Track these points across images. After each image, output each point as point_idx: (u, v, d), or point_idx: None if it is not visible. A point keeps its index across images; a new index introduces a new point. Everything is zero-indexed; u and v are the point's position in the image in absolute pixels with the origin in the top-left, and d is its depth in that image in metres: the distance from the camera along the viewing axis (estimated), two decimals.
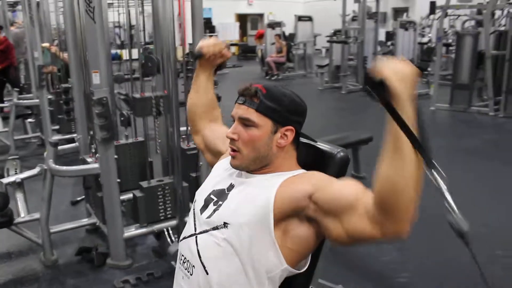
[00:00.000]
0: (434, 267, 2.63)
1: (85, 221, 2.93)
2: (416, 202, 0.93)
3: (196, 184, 2.73)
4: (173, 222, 2.66)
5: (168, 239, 2.67)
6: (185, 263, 1.21)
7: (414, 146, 0.89)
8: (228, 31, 16.74)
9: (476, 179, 4.20)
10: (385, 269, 2.66)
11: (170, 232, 2.69)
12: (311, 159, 1.31)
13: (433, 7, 7.26)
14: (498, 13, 7.50)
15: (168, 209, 2.66)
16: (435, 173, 0.88)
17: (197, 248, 1.18)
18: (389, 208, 0.94)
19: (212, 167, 1.45)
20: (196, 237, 1.20)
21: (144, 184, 2.61)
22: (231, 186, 1.25)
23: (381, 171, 0.95)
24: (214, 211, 1.21)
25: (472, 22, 9.31)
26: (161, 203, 2.63)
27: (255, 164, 1.22)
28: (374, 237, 1.00)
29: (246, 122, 1.19)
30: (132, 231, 2.59)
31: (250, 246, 1.12)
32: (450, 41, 10.49)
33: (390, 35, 11.47)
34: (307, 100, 1.29)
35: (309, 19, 12.30)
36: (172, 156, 2.58)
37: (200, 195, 1.31)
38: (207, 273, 1.14)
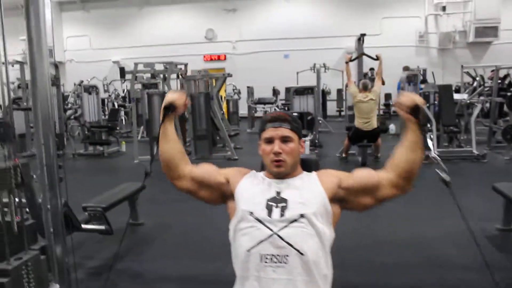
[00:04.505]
0: None
1: None
2: None
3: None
4: None
5: None
6: (273, 258, 1.49)
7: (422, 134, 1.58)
8: None
9: None
10: None
11: None
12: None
13: (123, 72, 8.07)
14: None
15: (32, 286, 2.34)
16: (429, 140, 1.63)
17: (284, 241, 1.49)
18: (411, 176, 1.61)
19: (209, 202, 1.77)
20: (277, 234, 1.51)
21: (5, 266, 2.22)
22: (278, 192, 1.62)
23: (406, 156, 1.60)
24: (283, 210, 1.56)
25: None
26: (26, 282, 2.29)
27: (292, 168, 1.67)
28: (397, 196, 1.65)
29: (285, 139, 1.64)
30: None
31: (322, 226, 1.56)
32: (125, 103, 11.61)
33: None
34: None
35: None
36: (56, 223, 2.31)
37: (255, 208, 1.59)
38: (303, 254, 1.49)
